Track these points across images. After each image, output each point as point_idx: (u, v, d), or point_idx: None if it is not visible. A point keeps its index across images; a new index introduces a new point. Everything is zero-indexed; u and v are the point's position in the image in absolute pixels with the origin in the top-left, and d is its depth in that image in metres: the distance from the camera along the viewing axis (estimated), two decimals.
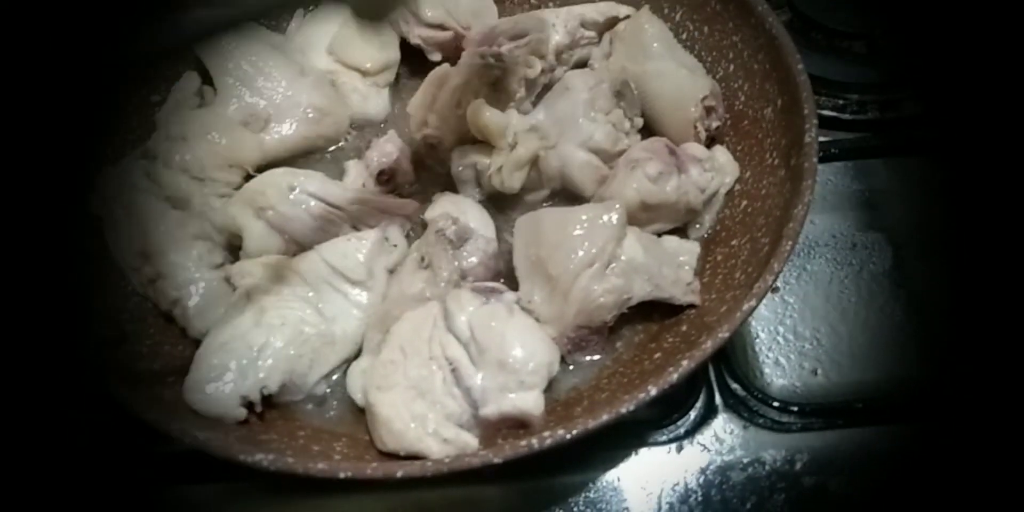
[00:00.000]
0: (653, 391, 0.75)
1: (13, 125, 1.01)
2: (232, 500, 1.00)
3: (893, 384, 1.03)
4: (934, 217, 1.16)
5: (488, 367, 0.85)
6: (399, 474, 0.73)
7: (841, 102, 1.25)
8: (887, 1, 1.31)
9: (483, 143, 1.00)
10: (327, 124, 1.07)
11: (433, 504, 0.98)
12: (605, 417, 0.74)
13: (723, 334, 0.79)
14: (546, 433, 0.73)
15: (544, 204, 1.05)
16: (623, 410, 0.74)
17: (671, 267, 0.93)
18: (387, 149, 1.06)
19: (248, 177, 1.03)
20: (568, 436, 0.73)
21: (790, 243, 0.84)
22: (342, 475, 0.73)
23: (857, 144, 1.22)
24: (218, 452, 0.76)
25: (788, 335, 1.07)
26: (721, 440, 0.99)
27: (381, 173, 1.05)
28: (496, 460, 0.73)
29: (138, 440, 1.01)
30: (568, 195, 1.03)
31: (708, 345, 0.78)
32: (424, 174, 1.09)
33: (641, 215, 0.96)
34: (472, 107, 0.96)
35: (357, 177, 1.05)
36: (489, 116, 0.96)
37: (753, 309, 0.80)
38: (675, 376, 0.76)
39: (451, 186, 1.06)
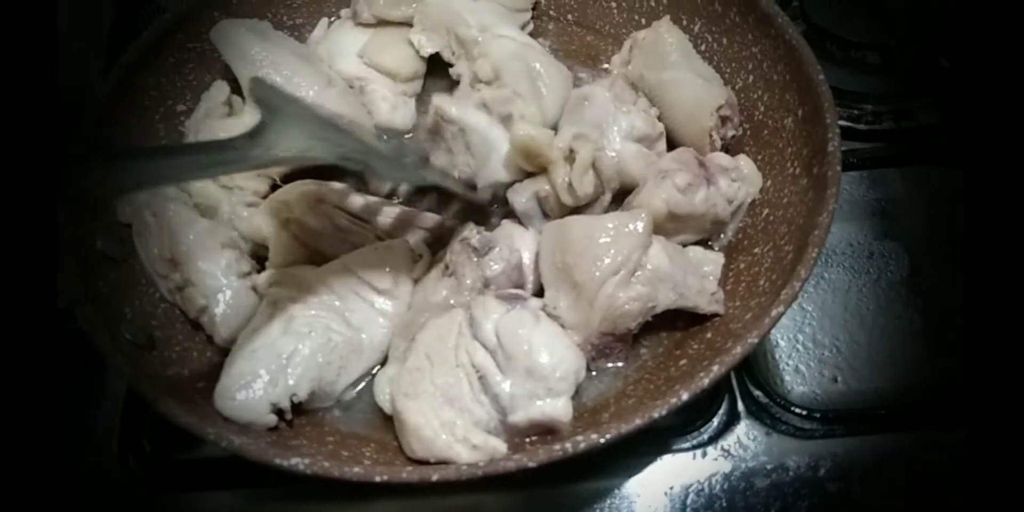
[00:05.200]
0: (685, 396, 0.76)
1: (33, 130, 1.02)
2: (240, 508, 1.01)
3: (913, 391, 1.04)
4: (950, 226, 1.17)
5: (516, 374, 0.86)
6: (434, 478, 0.73)
7: (856, 112, 1.26)
8: (901, 11, 1.33)
9: (530, 175, 1.01)
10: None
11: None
12: (638, 422, 0.74)
13: (752, 340, 0.80)
14: (579, 437, 0.74)
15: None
16: (655, 415, 0.75)
17: (695, 277, 0.94)
18: None
19: (275, 186, 1.04)
20: (602, 440, 0.74)
21: (816, 250, 0.85)
22: (378, 479, 0.74)
23: (873, 153, 1.23)
24: (253, 456, 0.76)
25: (808, 343, 1.08)
26: (745, 446, 1.00)
27: None
28: (531, 464, 0.73)
29: (153, 447, 1.03)
30: (624, 197, 1.03)
31: (738, 351, 0.79)
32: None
33: (668, 226, 0.96)
34: (513, 135, 0.98)
35: None
36: (534, 134, 0.97)
37: (781, 315, 0.81)
38: (706, 381, 0.77)
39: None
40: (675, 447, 1.00)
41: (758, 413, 1.02)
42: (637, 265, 0.90)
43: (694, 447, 1.00)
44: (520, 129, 0.98)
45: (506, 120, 1.03)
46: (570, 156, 0.98)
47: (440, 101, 1.04)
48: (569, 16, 1.27)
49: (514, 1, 1.21)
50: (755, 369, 1.04)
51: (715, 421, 1.01)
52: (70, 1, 1.35)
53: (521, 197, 1.01)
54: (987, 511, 0.95)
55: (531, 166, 1.00)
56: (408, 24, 1.18)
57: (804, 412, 1.01)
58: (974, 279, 1.11)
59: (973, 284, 1.09)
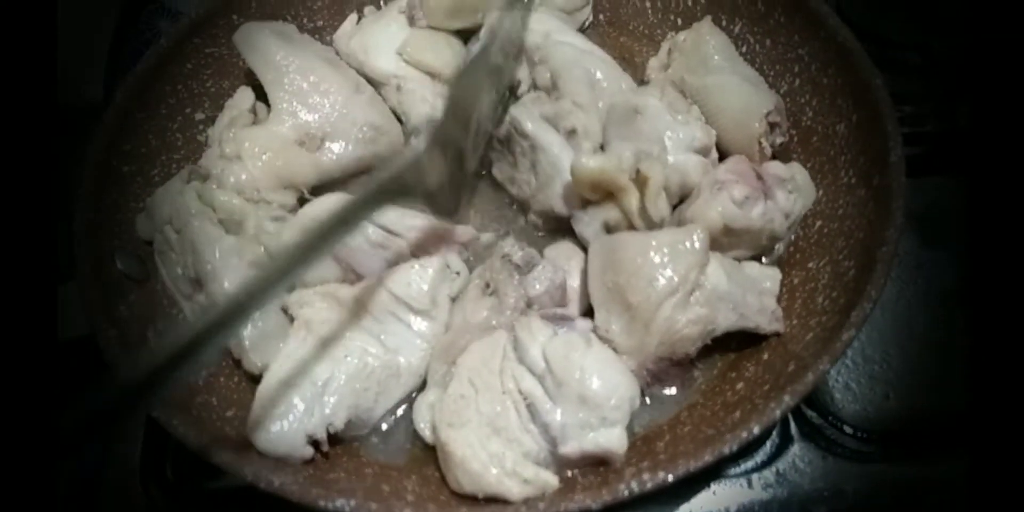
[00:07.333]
0: (756, 429, 0.72)
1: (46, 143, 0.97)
2: None
3: (968, 409, 0.99)
4: (999, 233, 1.12)
5: (567, 402, 0.81)
6: None
7: (897, 115, 1.21)
8: (941, 9, 1.28)
9: (592, 203, 0.95)
10: (383, 143, 1.03)
11: None
12: (707, 458, 0.70)
13: (823, 366, 0.75)
14: (646, 476, 0.69)
15: None
16: (726, 450, 0.71)
17: (754, 295, 0.89)
18: None
19: (302, 199, 0.99)
20: (671, 477, 0.69)
21: (886, 267, 0.80)
22: None
23: (917, 159, 1.18)
24: (295, 498, 0.72)
25: (856, 358, 1.03)
26: (800, 471, 0.95)
27: None
28: (594, 506, 0.69)
29: (175, 475, 0.99)
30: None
31: (809, 378, 0.74)
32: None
33: (722, 240, 0.91)
34: (576, 168, 0.91)
35: None
36: (602, 165, 0.90)
37: (853, 338, 0.77)
38: (778, 412, 0.73)
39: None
40: (726, 472, 0.95)
41: (812, 435, 0.97)
42: (695, 285, 0.85)
43: (747, 472, 0.95)
44: (584, 162, 0.90)
45: (571, 137, 0.98)
46: (637, 178, 0.91)
47: (517, 113, 0.99)
48: (601, 16, 1.22)
49: (569, 2, 1.16)
50: None
51: (767, 444, 0.96)
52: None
53: (588, 228, 0.95)
54: None
55: (595, 195, 0.94)
56: None
57: (860, 433, 0.96)
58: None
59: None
